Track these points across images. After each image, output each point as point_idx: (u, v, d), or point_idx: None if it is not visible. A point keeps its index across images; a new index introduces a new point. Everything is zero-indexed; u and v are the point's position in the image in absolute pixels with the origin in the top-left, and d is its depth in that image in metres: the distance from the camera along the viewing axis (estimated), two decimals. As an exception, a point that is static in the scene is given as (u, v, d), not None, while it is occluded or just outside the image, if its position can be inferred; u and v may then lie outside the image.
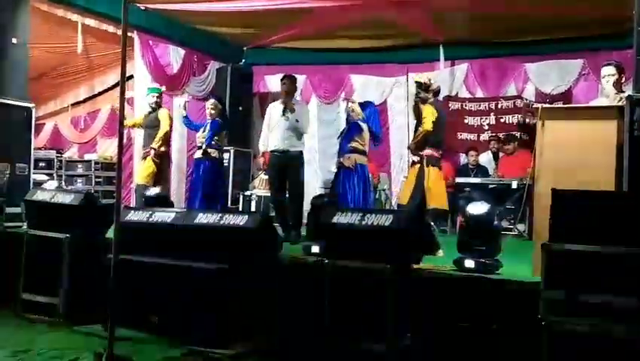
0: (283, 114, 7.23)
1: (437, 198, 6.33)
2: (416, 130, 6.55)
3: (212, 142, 7.71)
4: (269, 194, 9.65)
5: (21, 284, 5.53)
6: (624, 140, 4.43)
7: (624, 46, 5.92)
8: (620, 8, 5.49)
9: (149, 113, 8.42)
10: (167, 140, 8.36)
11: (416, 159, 6.46)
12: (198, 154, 7.86)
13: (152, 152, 8.13)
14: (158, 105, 8.41)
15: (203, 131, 7.82)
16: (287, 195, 7.29)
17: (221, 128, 7.92)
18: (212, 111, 7.88)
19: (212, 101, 8.10)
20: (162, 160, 8.30)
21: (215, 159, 7.77)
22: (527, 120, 8.32)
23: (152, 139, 8.21)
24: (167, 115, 8.38)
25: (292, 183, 7.22)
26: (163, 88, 8.81)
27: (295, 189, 7.24)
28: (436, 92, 6.59)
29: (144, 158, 8.30)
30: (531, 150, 6.27)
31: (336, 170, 7.09)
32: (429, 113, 6.32)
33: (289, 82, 7.55)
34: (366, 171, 6.92)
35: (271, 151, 7.32)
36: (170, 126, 8.43)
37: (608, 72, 5.70)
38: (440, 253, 5.71)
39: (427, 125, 6.30)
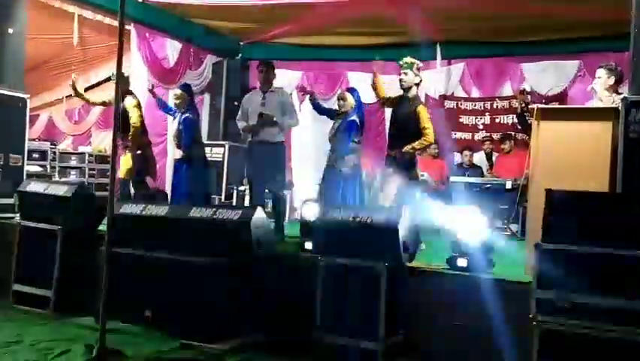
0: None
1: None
2: (404, 129, 6.36)
3: (189, 142, 7.30)
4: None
5: (13, 275, 5.53)
6: (619, 141, 4.45)
7: (621, 48, 5.93)
8: (618, 10, 5.50)
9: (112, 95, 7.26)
10: (141, 133, 7.60)
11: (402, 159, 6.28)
12: (177, 155, 7.53)
13: (129, 146, 7.54)
14: (123, 93, 7.30)
15: (177, 128, 7.39)
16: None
17: (194, 125, 7.48)
18: (177, 101, 7.40)
19: (176, 91, 7.63)
20: (143, 153, 7.67)
21: (196, 159, 7.39)
22: (524, 106, 8.25)
23: (124, 133, 7.41)
24: (133, 106, 7.48)
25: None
26: (126, 74, 7.86)
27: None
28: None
29: (124, 153, 7.62)
30: (527, 150, 6.26)
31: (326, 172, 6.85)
32: (428, 122, 6.21)
33: (267, 69, 7.18)
34: (361, 170, 6.88)
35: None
36: (140, 118, 7.53)
37: (598, 75, 5.73)
38: (422, 246, 5.71)
39: (431, 137, 6.24)
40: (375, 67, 6.60)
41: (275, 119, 6.90)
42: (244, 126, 7.12)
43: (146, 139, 7.84)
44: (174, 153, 7.88)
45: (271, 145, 6.95)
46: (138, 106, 7.61)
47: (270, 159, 6.93)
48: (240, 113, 7.29)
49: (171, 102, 7.67)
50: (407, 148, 6.21)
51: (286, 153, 7.38)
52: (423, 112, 6.25)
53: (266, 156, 6.91)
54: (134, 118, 7.43)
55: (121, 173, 7.63)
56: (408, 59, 6.41)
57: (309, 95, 7.56)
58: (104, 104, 8.42)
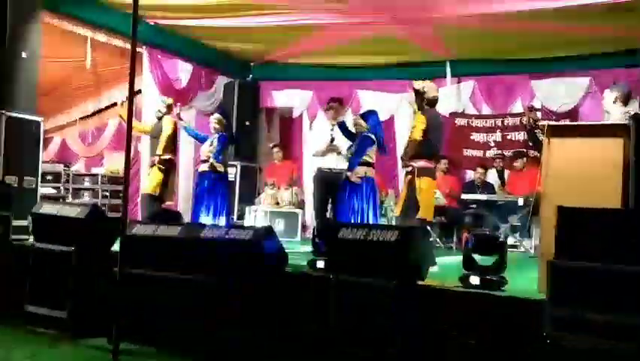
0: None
1: (423, 210, 6.24)
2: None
3: (220, 157, 7.84)
4: (274, 209, 9.72)
5: (26, 297, 5.54)
6: (630, 157, 4.43)
7: (632, 64, 5.95)
8: (629, 27, 5.51)
9: (157, 123, 8.40)
10: (171, 146, 8.26)
11: (409, 169, 6.38)
12: (204, 167, 7.90)
13: (157, 159, 8.11)
14: (163, 114, 8.36)
15: (210, 145, 7.89)
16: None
17: (229, 142, 8.06)
18: (217, 125, 8.02)
19: (216, 115, 8.20)
20: (168, 168, 8.21)
21: (221, 172, 7.88)
22: (533, 123, 8.23)
23: (156, 147, 8.25)
24: (170, 120, 8.30)
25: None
26: (170, 100, 8.71)
27: None
28: (432, 102, 6.46)
29: (151, 166, 8.28)
30: (539, 167, 6.25)
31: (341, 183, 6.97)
32: (418, 122, 6.25)
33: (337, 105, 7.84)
34: (374, 184, 6.89)
35: None
36: (174, 130, 8.32)
37: (607, 95, 5.76)
38: (435, 268, 5.69)
39: (415, 134, 6.24)
40: None
41: None
42: None
43: (174, 156, 8.42)
44: (200, 167, 8.13)
45: None
46: (174, 123, 8.34)
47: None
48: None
49: (212, 125, 8.13)
50: (403, 154, 6.51)
51: None
52: (416, 117, 6.35)
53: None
54: (167, 130, 8.16)
55: (147, 188, 8.17)
56: (417, 85, 6.50)
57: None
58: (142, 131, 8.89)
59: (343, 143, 7.44)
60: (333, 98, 8.14)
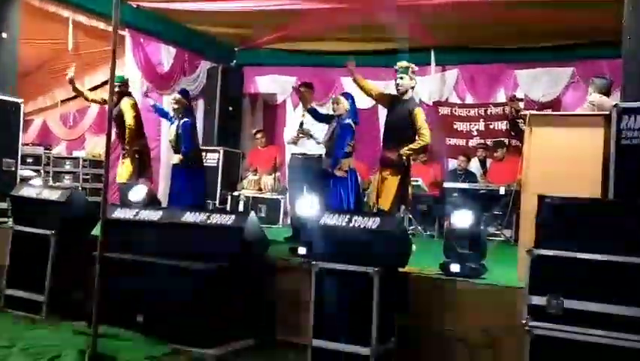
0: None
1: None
2: (401, 132, 6.35)
3: (190, 148, 7.45)
4: (257, 195, 9.70)
5: (5, 280, 5.51)
6: (610, 147, 4.47)
7: (613, 55, 5.97)
8: (610, 18, 5.54)
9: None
10: (137, 133, 7.72)
11: (401, 159, 6.24)
12: (175, 160, 7.57)
13: (127, 150, 7.64)
14: (120, 95, 7.57)
15: (176, 135, 7.46)
16: None
17: (193, 130, 7.62)
18: (176, 106, 7.50)
19: (175, 95, 7.70)
20: (141, 155, 7.76)
21: (193, 166, 7.56)
22: (515, 113, 8.23)
23: (121, 137, 7.68)
24: (129, 106, 7.61)
25: None
26: (126, 76, 8.18)
27: None
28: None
29: (123, 157, 7.75)
30: (520, 157, 6.28)
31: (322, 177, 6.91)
32: (424, 123, 6.20)
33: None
34: (356, 173, 6.88)
35: None
36: (136, 118, 7.65)
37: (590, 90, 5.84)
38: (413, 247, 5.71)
39: (427, 137, 6.20)
40: (350, 66, 6.58)
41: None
42: None
43: (144, 141, 7.89)
44: (171, 158, 7.82)
45: None
46: (134, 107, 7.69)
47: None
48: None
49: (169, 107, 7.71)
50: (404, 150, 6.19)
51: None
52: (419, 114, 6.24)
53: None
54: (128, 119, 7.53)
55: (121, 177, 7.67)
56: (403, 63, 6.42)
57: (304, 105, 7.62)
58: (103, 102, 8.33)
59: (312, 126, 7.41)
60: (302, 82, 8.02)
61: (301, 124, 7.56)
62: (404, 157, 6.26)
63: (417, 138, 6.22)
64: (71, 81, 7.85)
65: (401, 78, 6.37)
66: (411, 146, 6.21)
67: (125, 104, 7.60)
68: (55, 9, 8.40)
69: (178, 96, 7.60)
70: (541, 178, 4.69)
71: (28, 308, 5.32)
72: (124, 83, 7.79)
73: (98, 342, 4.09)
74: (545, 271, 3.73)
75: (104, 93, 8.65)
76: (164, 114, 8.06)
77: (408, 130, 6.27)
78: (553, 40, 9.17)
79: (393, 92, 6.55)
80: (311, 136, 7.45)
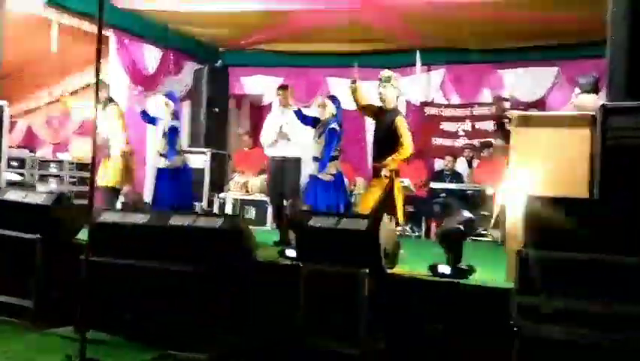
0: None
1: (399, 213, 6.16)
2: (386, 142, 6.29)
3: (174, 153, 7.54)
4: (244, 197, 9.68)
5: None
6: (596, 147, 4.49)
7: (598, 54, 6.01)
8: (594, 18, 5.57)
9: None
10: (122, 138, 7.71)
11: (385, 173, 6.13)
12: (161, 163, 7.60)
13: (113, 154, 7.62)
14: (106, 100, 7.69)
15: (163, 139, 7.53)
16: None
17: (179, 135, 7.70)
18: (165, 109, 7.59)
19: (163, 99, 7.70)
20: (125, 160, 7.73)
21: (179, 167, 7.61)
22: (500, 112, 8.26)
23: (107, 140, 7.65)
24: (117, 113, 7.70)
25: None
26: (107, 82, 8.25)
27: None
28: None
29: (107, 159, 7.69)
30: (506, 157, 6.30)
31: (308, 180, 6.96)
32: (405, 132, 6.15)
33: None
34: (343, 175, 6.87)
35: None
36: (124, 126, 7.76)
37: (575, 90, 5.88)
38: (402, 253, 5.69)
39: (407, 149, 6.13)
40: (355, 74, 6.56)
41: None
42: None
43: (128, 147, 7.84)
44: (157, 161, 7.79)
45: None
46: (122, 117, 7.78)
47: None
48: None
49: (156, 109, 7.72)
50: (387, 161, 6.12)
51: None
52: (400, 123, 6.18)
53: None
54: (117, 125, 7.61)
55: (104, 180, 7.59)
56: (386, 73, 6.38)
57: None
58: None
59: (291, 129, 7.47)
60: (280, 85, 8.07)
61: (280, 127, 7.57)
62: (388, 170, 6.14)
63: (398, 148, 6.15)
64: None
65: (384, 87, 6.33)
66: (393, 156, 6.13)
67: (113, 110, 7.67)
68: (37, 10, 8.33)
69: (165, 99, 7.64)
70: (528, 178, 4.71)
71: (14, 314, 5.25)
72: (105, 87, 7.87)
73: (86, 347, 4.05)
74: (534, 272, 3.74)
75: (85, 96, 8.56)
76: (151, 120, 7.98)
77: (392, 140, 6.20)
78: (538, 40, 9.21)
79: (378, 102, 6.50)
80: (289, 140, 7.47)
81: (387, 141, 6.27)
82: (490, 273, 4.95)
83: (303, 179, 7.58)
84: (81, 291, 4.11)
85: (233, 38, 10.52)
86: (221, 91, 11.03)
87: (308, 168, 7.16)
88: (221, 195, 9.88)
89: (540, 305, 3.64)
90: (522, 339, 3.67)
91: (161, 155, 7.61)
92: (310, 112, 7.30)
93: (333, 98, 7.04)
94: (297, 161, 7.55)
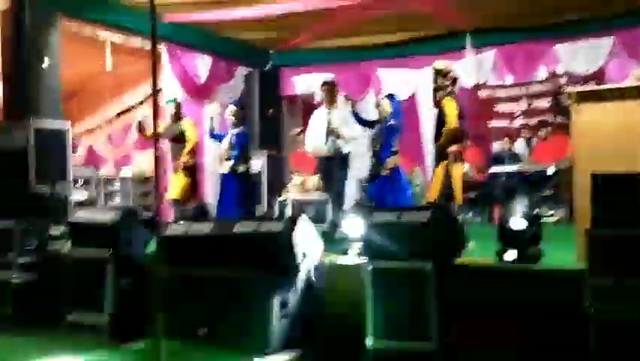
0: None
1: (457, 195, 6.25)
2: (439, 127, 6.38)
3: (240, 159, 7.69)
4: (303, 197, 9.70)
5: (66, 304, 5.60)
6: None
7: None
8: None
9: (170, 124, 8.08)
10: (195, 152, 8.11)
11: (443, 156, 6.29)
12: (225, 169, 7.76)
13: (182, 164, 7.90)
14: (178, 117, 8.08)
15: (230, 144, 7.71)
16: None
17: (247, 141, 7.87)
18: (232, 118, 7.82)
19: (231, 107, 7.96)
20: (193, 173, 8.06)
21: (243, 173, 7.73)
22: (557, 89, 8.04)
23: (179, 152, 7.97)
24: (191, 126, 8.10)
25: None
26: (179, 98, 8.58)
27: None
28: (454, 81, 6.44)
29: (175, 172, 8.03)
30: (567, 134, 6.17)
31: (369, 178, 7.09)
32: (451, 110, 6.22)
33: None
34: (402, 171, 6.93)
35: None
36: (197, 137, 8.16)
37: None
38: (471, 245, 5.64)
39: (452, 123, 6.20)
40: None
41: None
42: None
43: (198, 161, 8.24)
44: (221, 167, 7.95)
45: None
46: (194, 126, 8.14)
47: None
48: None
49: (229, 119, 7.91)
50: (440, 143, 6.27)
51: None
52: (447, 103, 6.26)
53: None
54: (192, 137, 7.93)
55: (173, 193, 7.89)
56: (438, 65, 6.39)
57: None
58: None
59: (340, 125, 7.31)
60: (324, 81, 7.93)
61: (329, 123, 7.39)
62: (440, 148, 6.30)
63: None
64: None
65: (435, 81, 6.39)
66: (440, 139, 6.26)
67: (188, 125, 8.04)
68: (91, 32, 8.56)
69: (234, 108, 7.93)
70: (591, 154, 4.56)
71: (89, 331, 5.39)
72: (178, 104, 8.21)
73: (161, 357, 4.14)
74: (605, 251, 3.64)
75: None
76: (218, 137, 8.11)
77: (442, 120, 6.32)
78: (590, 10, 8.94)
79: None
80: (339, 137, 7.31)
81: (439, 123, 6.38)
82: (560, 255, 4.83)
83: (355, 173, 7.57)
84: (154, 303, 4.20)
85: (281, 40, 10.58)
86: (273, 93, 11.10)
87: (357, 163, 7.18)
88: (280, 197, 9.92)
89: (614, 286, 3.54)
90: (598, 322, 3.58)
91: (226, 159, 7.77)
92: (367, 114, 7.27)
93: (389, 96, 7.09)
94: (345, 158, 7.43)
